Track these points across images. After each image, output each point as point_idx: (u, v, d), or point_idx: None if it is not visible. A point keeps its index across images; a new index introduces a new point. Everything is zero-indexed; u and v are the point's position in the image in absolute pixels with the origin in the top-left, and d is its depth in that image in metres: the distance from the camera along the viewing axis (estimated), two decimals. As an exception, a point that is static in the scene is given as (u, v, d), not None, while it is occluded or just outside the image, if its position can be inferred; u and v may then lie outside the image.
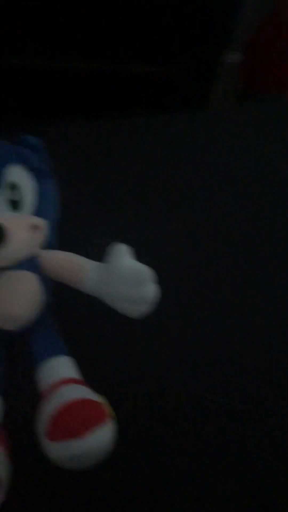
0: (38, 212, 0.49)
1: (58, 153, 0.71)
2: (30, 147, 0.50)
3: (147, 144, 0.83)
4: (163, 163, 0.80)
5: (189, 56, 0.90)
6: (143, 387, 0.49)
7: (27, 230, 0.46)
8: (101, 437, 0.38)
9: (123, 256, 0.45)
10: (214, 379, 0.52)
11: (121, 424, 0.41)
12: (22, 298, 0.46)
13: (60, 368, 0.45)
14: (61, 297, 0.51)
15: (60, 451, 0.38)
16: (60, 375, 0.44)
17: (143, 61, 0.89)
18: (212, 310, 0.58)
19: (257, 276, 0.64)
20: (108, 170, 0.74)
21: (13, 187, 0.48)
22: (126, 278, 0.44)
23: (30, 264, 0.47)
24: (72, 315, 0.53)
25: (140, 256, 0.46)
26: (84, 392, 0.42)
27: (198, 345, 0.54)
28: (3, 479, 0.37)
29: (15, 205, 0.48)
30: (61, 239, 0.55)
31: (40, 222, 0.48)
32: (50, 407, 0.40)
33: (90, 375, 0.46)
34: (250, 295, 0.61)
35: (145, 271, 0.44)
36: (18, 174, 0.48)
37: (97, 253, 0.48)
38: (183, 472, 0.46)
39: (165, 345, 0.53)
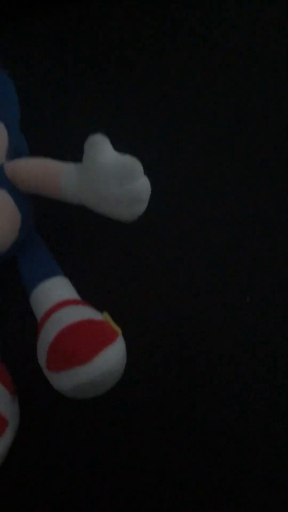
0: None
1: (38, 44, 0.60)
2: None
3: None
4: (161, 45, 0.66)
5: None
6: (145, 301, 0.43)
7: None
8: (111, 358, 0.33)
9: (103, 150, 0.37)
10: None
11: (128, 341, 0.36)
12: (-7, 219, 0.39)
13: (54, 291, 0.40)
14: (45, 212, 0.44)
15: (65, 381, 0.33)
16: (55, 298, 0.39)
17: None
18: (210, 207, 0.50)
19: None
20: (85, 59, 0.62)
21: None
22: (111, 174, 0.36)
23: (-5, 178, 0.40)
24: (60, 231, 0.46)
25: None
26: (84, 313, 0.36)
27: (197, 247, 0.46)
28: (6, 417, 0.33)
29: None
30: (33, 145, 0.47)
31: (-4, 125, 0.39)
32: (48, 334, 0.35)
33: (89, 294, 0.41)
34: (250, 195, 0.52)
35: (133, 163, 0.36)
36: None
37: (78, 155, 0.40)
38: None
39: (163, 251, 0.46)
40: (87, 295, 0.41)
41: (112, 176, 0.36)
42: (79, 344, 0.33)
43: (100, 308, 0.38)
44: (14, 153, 0.43)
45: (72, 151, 0.41)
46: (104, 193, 0.37)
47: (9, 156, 0.42)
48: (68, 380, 0.33)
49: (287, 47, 0.59)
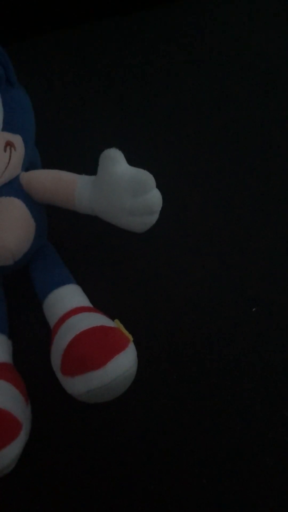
0: (8, 127, 0.41)
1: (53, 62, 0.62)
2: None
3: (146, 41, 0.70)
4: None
5: None
6: (155, 309, 0.44)
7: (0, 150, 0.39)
8: (123, 364, 0.34)
9: (117, 163, 0.39)
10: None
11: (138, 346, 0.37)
12: (10, 227, 0.40)
13: (68, 298, 0.41)
14: (57, 222, 0.45)
15: (78, 385, 0.34)
16: (68, 305, 0.40)
17: None
18: (214, 217, 0.51)
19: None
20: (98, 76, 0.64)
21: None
22: (125, 186, 0.37)
23: (12, 188, 0.41)
24: (71, 241, 0.48)
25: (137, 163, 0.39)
26: (96, 319, 0.37)
27: (206, 256, 0.48)
28: (20, 420, 0.34)
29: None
30: (46, 156, 0.49)
31: (14, 138, 0.41)
32: (62, 340, 0.36)
33: (100, 302, 0.42)
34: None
35: (146, 176, 0.38)
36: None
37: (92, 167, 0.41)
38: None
39: (173, 260, 0.48)
40: (98, 303, 0.42)
41: (126, 188, 0.38)
42: (92, 349, 0.34)
43: (111, 315, 0.39)
44: (29, 165, 0.45)
45: (82, 165, 0.43)
46: (118, 204, 0.39)
47: (24, 167, 0.44)
48: (82, 385, 0.34)
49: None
